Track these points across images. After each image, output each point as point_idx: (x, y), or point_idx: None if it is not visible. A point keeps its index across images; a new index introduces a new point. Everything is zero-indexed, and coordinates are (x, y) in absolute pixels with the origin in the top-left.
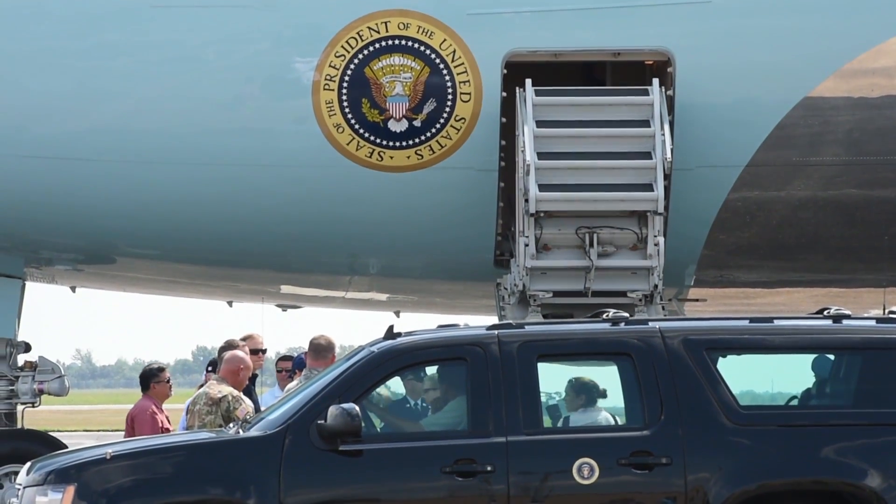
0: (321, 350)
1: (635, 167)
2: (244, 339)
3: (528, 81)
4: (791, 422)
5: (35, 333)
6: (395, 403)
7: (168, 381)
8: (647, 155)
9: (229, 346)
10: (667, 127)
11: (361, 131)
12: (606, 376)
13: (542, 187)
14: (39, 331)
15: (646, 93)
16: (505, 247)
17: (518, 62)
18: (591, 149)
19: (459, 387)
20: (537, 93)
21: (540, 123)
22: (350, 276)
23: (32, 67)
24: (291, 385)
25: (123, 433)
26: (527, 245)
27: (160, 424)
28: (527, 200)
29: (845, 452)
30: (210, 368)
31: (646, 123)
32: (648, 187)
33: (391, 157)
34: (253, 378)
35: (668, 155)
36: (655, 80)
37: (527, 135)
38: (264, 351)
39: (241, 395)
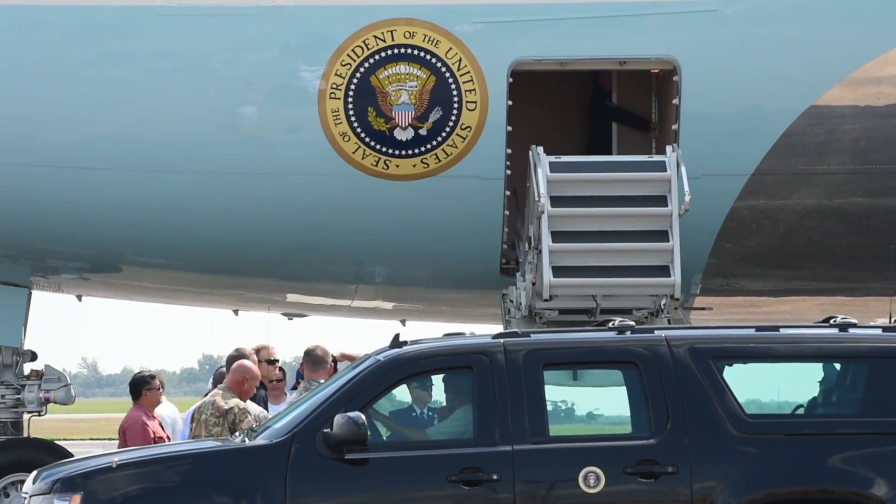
0: (319, 361)
1: (652, 250)
2: (257, 350)
3: (541, 149)
4: (797, 430)
5: (41, 342)
6: (401, 412)
7: (159, 388)
8: (665, 235)
9: (238, 355)
10: (686, 183)
11: (367, 140)
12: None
13: (557, 270)
14: (46, 339)
15: (663, 166)
16: (511, 255)
17: (524, 71)
18: (606, 227)
19: (465, 395)
20: (552, 167)
21: (554, 201)
22: (356, 285)
23: (38, 76)
24: (292, 397)
25: (117, 445)
26: (534, 283)
27: (152, 434)
28: (539, 251)
29: (852, 461)
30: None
31: (663, 200)
32: (665, 271)
33: (397, 166)
34: (263, 387)
35: (686, 202)
36: (671, 151)
37: (540, 178)
38: (277, 361)
39: (248, 406)
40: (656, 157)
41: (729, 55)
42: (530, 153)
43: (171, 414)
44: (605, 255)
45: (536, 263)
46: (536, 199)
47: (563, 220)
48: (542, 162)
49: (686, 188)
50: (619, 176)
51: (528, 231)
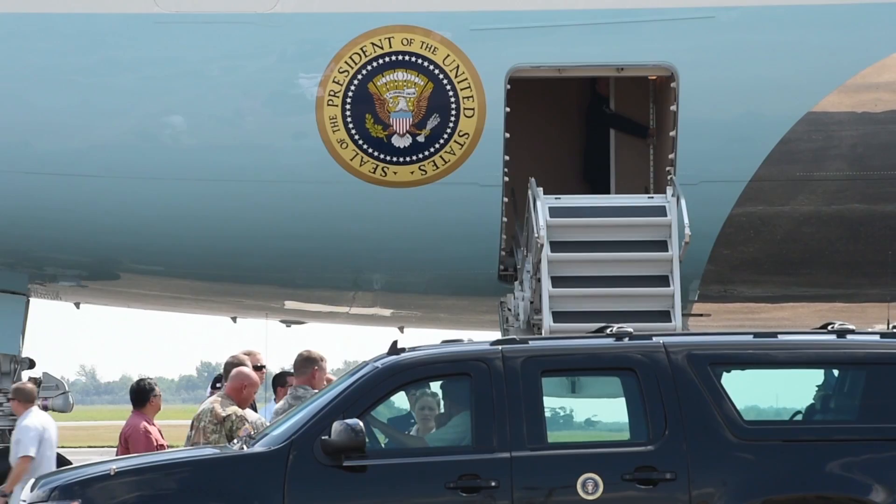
0: (298, 365)
1: (653, 295)
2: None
3: (541, 190)
4: (795, 437)
5: (39, 350)
6: (399, 419)
7: (159, 395)
8: (665, 280)
9: (236, 362)
10: (685, 216)
11: (365, 147)
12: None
13: (557, 315)
14: (44, 347)
15: (663, 211)
16: (509, 262)
17: (521, 77)
18: (607, 272)
19: (463, 402)
20: (552, 212)
21: (554, 245)
22: (354, 292)
23: (36, 84)
24: (279, 405)
25: (116, 452)
26: (532, 302)
27: (155, 442)
28: (538, 279)
29: (850, 467)
30: (218, 385)
31: (663, 245)
32: (666, 315)
33: (395, 173)
34: None
35: (686, 236)
36: (670, 194)
37: (540, 215)
38: (264, 367)
39: (246, 413)
40: (657, 200)
41: (726, 62)
42: (529, 190)
43: (40, 425)
44: (606, 299)
45: (535, 287)
46: (536, 235)
47: (563, 266)
48: (540, 197)
49: (686, 222)
50: (620, 221)
51: (525, 252)
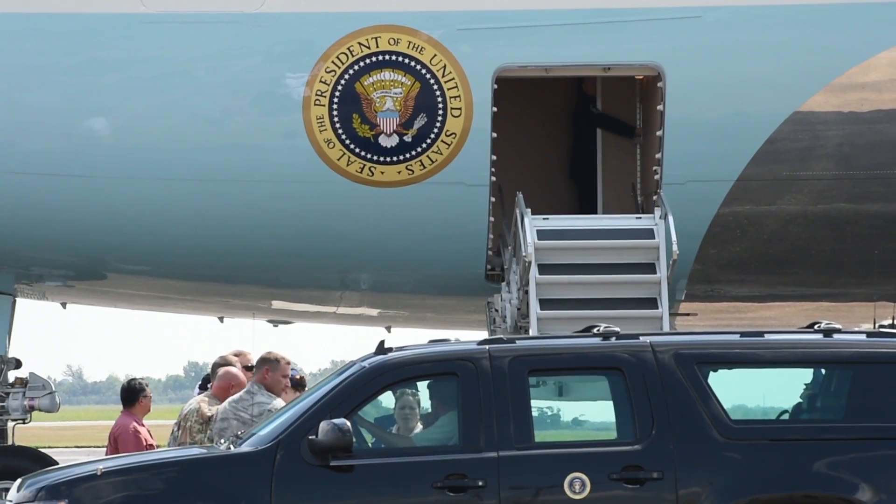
0: (256, 364)
1: (640, 317)
2: (234, 356)
3: (529, 211)
4: (782, 436)
5: (26, 350)
6: (385, 419)
7: (150, 396)
8: (654, 302)
9: (224, 362)
10: (673, 233)
11: (352, 146)
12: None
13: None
14: (30, 347)
15: (651, 234)
16: (496, 262)
17: (508, 77)
18: (595, 295)
19: (451, 402)
20: (540, 234)
21: (542, 268)
22: (341, 292)
23: (23, 83)
24: (235, 396)
25: (105, 452)
26: (519, 309)
27: (144, 442)
28: (526, 291)
29: (836, 466)
30: (208, 385)
31: (651, 267)
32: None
33: (382, 173)
34: None
35: (674, 253)
36: (658, 216)
37: (528, 230)
38: (254, 367)
39: None
40: (645, 222)
41: (713, 61)
42: (516, 209)
43: None
44: (594, 321)
45: (522, 297)
46: (524, 253)
47: (551, 288)
48: (528, 216)
49: (674, 239)
50: (608, 244)
51: (513, 253)
